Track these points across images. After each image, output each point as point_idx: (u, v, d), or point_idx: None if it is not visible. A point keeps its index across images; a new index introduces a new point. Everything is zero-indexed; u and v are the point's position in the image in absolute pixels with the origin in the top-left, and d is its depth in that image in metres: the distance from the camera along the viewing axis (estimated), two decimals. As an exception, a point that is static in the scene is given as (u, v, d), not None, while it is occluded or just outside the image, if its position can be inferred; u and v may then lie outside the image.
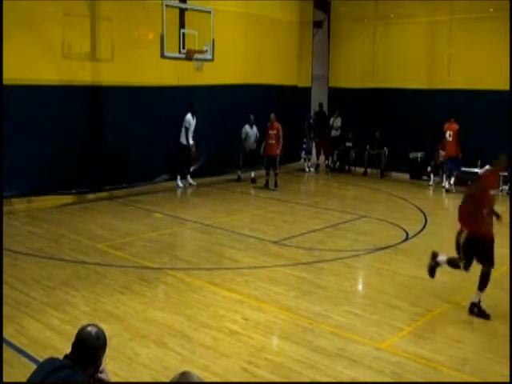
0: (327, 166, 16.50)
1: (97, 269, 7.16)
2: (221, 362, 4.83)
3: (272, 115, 13.07)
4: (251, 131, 13.46)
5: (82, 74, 10.86)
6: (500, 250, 8.46)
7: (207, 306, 6.04)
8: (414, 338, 5.41)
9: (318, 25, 17.14)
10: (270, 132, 13.03)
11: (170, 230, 9.34)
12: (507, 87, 13.26)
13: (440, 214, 11.51)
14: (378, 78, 15.68)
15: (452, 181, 13.58)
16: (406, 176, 15.06)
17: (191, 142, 12.62)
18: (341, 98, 16.34)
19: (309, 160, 16.10)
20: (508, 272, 7.57)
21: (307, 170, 15.94)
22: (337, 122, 16.22)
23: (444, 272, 7.33)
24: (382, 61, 15.70)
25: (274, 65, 14.94)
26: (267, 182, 13.10)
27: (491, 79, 13.69)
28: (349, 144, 15.92)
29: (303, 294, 6.51)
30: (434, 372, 4.76)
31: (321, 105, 16.54)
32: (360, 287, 7.33)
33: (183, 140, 12.55)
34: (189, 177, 13.01)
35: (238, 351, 5.02)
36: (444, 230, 9.88)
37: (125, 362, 4.75)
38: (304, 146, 16.16)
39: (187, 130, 12.54)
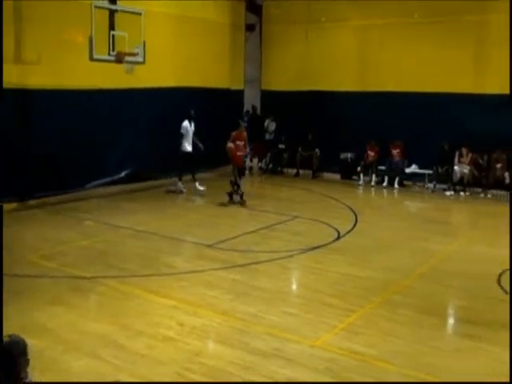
0: (260, 168, 16.66)
1: (28, 281, 6.91)
2: (156, 369, 4.79)
3: (241, 123, 12.36)
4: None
5: (7, 76, 10.45)
6: (425, 244, 8.91)
7: (142, 314, 5.97)
8: (347, 334, 5.56)
9: (250, 28, 17.28)
10: (239, 143, 11.89)
11: (104, 237, 9.14)
12: (433, 89, 13.93)
13: (369, 212, 11.88)
14: (310, 81, 15.98)
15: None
16: (337, 176, 15.45)
17: (189, 148, 12.52)
18: (274, 100, 16.55)
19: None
20: (437, 266, 7.95)
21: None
22: (271, 126, 16.40)
23: (375, 268, 7.63)
24: (315, 64, 16.00)
25: (206, 67, 14.92)
26: (241, 195, 11.84)
27: (419, 82, 14.29)
28: (281, 146, 16.15)
29: (239, 296, 6.55)
30: (368, 366, 4.91)
31: (254, 107, 16.67)
32: (294, 287, 7.47)
33: (183, 147, 12.49)
34: (197, 184, 12.70)
35: (174, 357, 4.99)
36: (373, 227, 10.26)
37: (58, 374, 4.62)
38: (238, 149, 16.20)
39: (184, 136, 12.44)
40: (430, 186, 14.06)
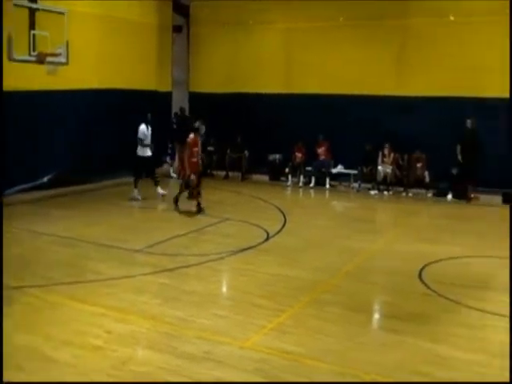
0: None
1: None
2: (83, 379, 4.66)
3: (203, 127, 12.15)
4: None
5: None
6: (351, 243, 9.17)
7: (68, 323, 5.79)
8: (276, 333, 5.63)
9: (177, 29, 17.15)
10: (195, 149, 11.24)
11: (27, 245, 8.78)
12: (358, 91, 14.40)
13: (297, 212, 12.10)
14: (238, 83, 16.08)
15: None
16: (266, 178, 15.63)
17: (149, 153, 12.22)
18: (202, 102, 16.52)
19: (172, 165, 16.04)
20: (362, 264, 8.21)
21: (172, 175, 15.86)
22: (201, 128, 16.32)
23: (304, 268, 7.77)
24: (242, 66, 16.13)
25: (132, 69, 14.68)
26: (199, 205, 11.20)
27: (344, 84, 14.70)
28: (211, 148, 16.13)
29: (168, 300, 6.48)
30: (298, 365, 4.98)
31: (182, 109, 16.55)
32: (225, 289, 7.48)
33: (139, 151, 12.13)
34: (159, 188, 12.38)
35: (102, 366, 4.87)
36: (301, 227, 10.46)
37: (-24, 391, 4.41)
38: (169, 152, 16.06)
39: (141, 141, 12.08)
40: (356, 185, 14.50)
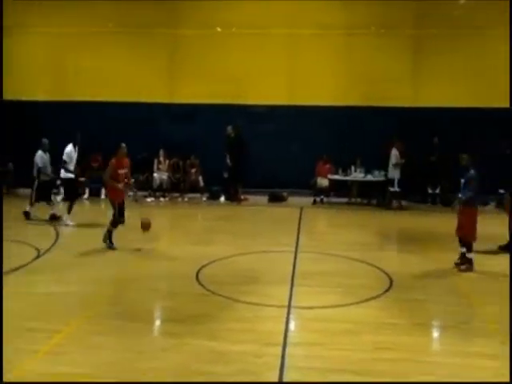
0: None
1: None
2: None
3: (123, 146, 9.48)
4: (46, 157, 11.51)
5: None
6: (129, 252, 9.07)
7: None
8: (51, 357, 5.29)
9: None
10: (121, 171, 9.42)
11: None
12: (133, 98, 14.36)
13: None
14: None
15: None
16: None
17: (72, 175, 11.51)
18: None
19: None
20: (141, 271, 8.16)
21: None
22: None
23: (78, 282, 7.45)
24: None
25: None
26: (110, 236, 9.45)
27: (117, 91, 14.49)
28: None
29: None
30: (75, 386, 4.77)
31: None
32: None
33: (63, 173, 11.49)
34: (68, 216, 11.37)
35: None
36: (73, 241, 10.02)
37: None
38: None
39: (67, 163, 11.38)
40: (131, 193, 14.39)
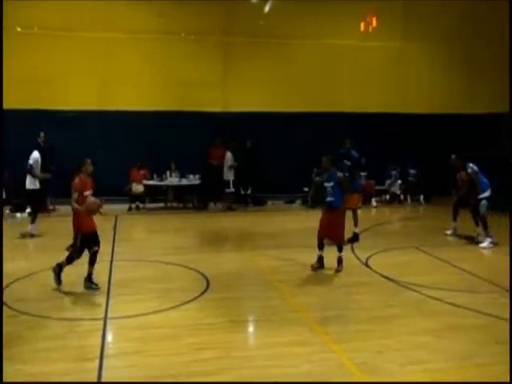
0: None
1: None
2: None
3: (88, 161, 7.82)
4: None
5: None
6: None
7: None
8: None
9: None
10: (87, 193, 7.65)
11: None
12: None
13: None
14: None
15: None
16: None
17: (38, 184, 11.04)
18: None
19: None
20: None
21: None
22: None
23: None
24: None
25: None
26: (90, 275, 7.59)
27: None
28: None
29: None
30: None
31: None
32: None
33: (32, 183, 10.98)
34: (34, 227, 11.04)
35: None
36: None
37: None
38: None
39: (33, 170, 10.90)
40: None
